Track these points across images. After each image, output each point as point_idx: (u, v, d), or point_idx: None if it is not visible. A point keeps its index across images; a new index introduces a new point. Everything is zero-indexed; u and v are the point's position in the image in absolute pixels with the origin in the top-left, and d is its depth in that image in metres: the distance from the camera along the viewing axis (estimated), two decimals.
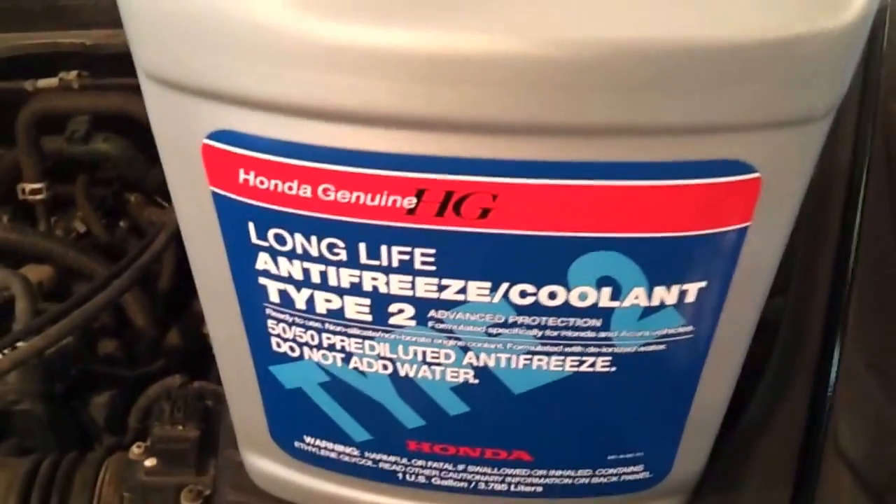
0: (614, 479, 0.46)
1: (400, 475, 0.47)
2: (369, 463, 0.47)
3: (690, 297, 0.38)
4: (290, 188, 0.35)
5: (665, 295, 0.38)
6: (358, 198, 0.35)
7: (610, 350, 0.40)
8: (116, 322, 0.89)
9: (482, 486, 0.47)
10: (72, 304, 0.70)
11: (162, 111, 0.37)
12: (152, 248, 0.73)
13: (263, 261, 0.39)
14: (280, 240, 0.37)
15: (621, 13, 0.30)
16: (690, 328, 0.40)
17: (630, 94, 0.32)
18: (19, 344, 0.68)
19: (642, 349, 0.40)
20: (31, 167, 0.92)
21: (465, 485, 0.47)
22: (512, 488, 0.47)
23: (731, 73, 0.31)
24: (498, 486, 0.47)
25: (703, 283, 0.38)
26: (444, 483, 0.47)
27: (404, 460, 0.46)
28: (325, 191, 0.35)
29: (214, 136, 0.35)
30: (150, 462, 0.62)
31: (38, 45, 0.93)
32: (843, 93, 0.34)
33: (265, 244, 0.38)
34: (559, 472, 0.46)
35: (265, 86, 0.32)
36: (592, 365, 0.41)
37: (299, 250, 0.37)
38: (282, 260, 0.38)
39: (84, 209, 0.98)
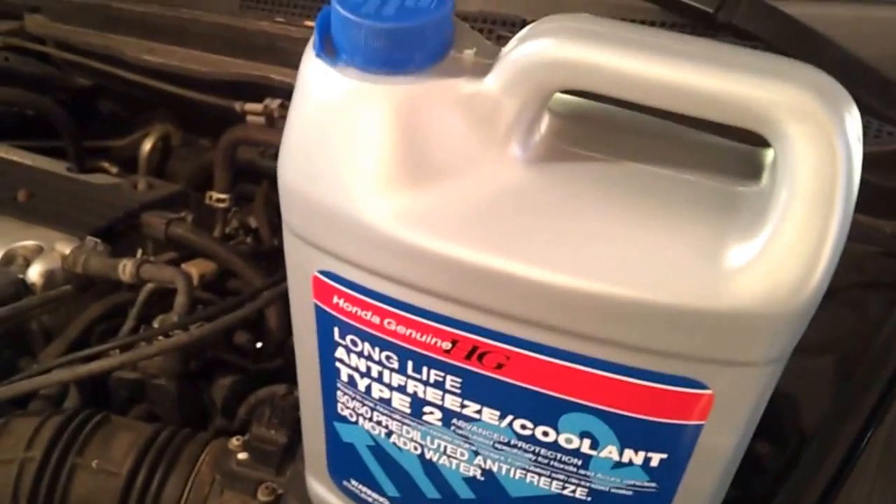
0: None
1: None
2: None
3: (654, 463, 0.51)
4: (365, 315, 0.50)
5: (633, 456, 0.50)
6: (410, 333, 0.50)
7: (587, 484, 0.53)
8: (255, 318, 1.08)
9: None
10: (224, 308, 0.89)
11: (294, 248, 0.53)
12: None
13: (340, 353, 0.54)
14: (353, 343, 0.53)
15: (621, 275, 0.44)
16: (654, 484, 0.52)
17: (616, 325, 0.45)
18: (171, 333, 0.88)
19: (614, 490, 0.53)
20: (221, 181, 1.14)
21: None
22: None
23: (684, 325, 0.43)
24: None
25: (664, 455, 0.50)
26: None
27: None
28: (388, 322, 0.50)
29: (322, 272, 0.51)
30: (242, 455, 0.79)
31: (254, 76, 1.14)
32: (793, 345, 0.46)
33: (343, 343, 0.53)
34: None
35: (361, 256, 0.48)
36: (573, 491, 0.54)
37: (365, 353, 0.53)
38: (352, 356, 0.54)
39: (259, 213, 1.19)
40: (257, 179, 1.24)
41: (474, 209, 0.46)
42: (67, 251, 1.03)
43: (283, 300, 1.06)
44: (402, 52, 0.45)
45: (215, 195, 1.19)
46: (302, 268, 0.53)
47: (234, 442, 0.80)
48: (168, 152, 1.47)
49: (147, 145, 1.46)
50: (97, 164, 1.42)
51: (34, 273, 1.01)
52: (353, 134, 0.47)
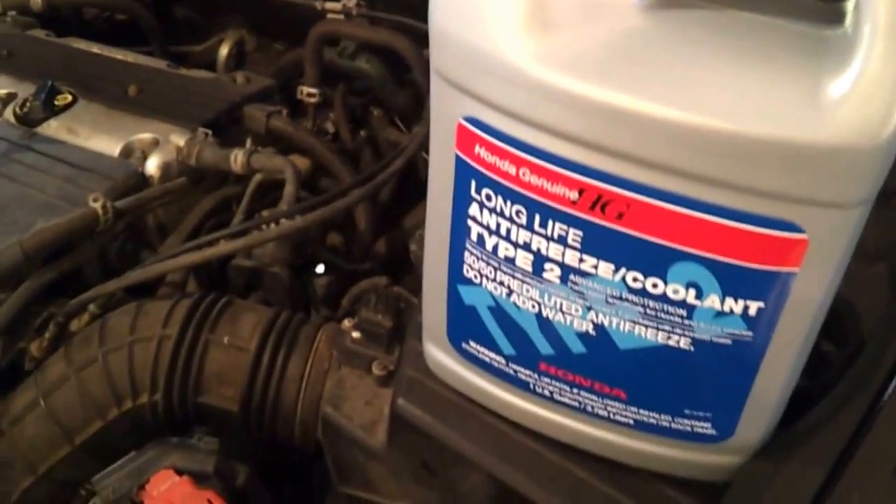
0: (687, 428, 0.67)
1: (531, 385, 0.70)
2: (511, 371, 0.70)
3: (752, 311, 0.58)
4: (503, 165, 0.59)
5: (733, 305, 0.58)
6: (542, 183, 0.58)
7: (691, 334, 0.61)
8: (344, 220, 1.18)
9: (589, 409, 0.69)
10: (326, 199, 0.98)
11: (440, 95, 0.62)
12: (391, 169, 0.99)
13: (474, 209, 0.63)
14: (488, 198, 0.61)
15: (733, 111, 0.51)
16: (750, 333, 0.59)
17: (728, 163, 0.52)
18: (282, 221, 0.98)
19: (714, 339, 0.60)
20: (312, 76, 1.22)
21: (577, 405, 0.69)
22: (611, 416, 0.69)
23: (787, 161, 0.51)
24: (600, 412, 0.69)
25: (761, 304, 0.57)
26: (562, 399, 0.69)
27: (535, 376, 0.69)
28: (523, 172, 0.58)
29: (467, 118, 0.60)
30: (355, 334, 0.89)
31: None
32: (878, 187, 0.52)
33: (478, 198, 0.62)
34: (646, 412, 0.67)
35: (504, 99, 0.56)
36: (677, 341, 0.61)
37: (498, 209, 0.61)
38: (485, 212, 0.62)
39: (338, 114, 1.28)
40: (332, 80, 1.32)
41: (602, 50, 0.54)
42: (181, 143, 1.13)
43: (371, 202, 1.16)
44: None
45: (306, 90, 1.28)
46: (447, 115, 0.61)
47: (347, 323, 0.90)
48: (243, 57, 1.57)
49: (223, 50, 1.56)
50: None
51: (152, 165, 1.12)
52: None
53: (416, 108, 1.24)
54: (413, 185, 1.11)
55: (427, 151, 1.07)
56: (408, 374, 0.81)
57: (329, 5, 1.22)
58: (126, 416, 0.93)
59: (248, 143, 1.15)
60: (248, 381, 0.90)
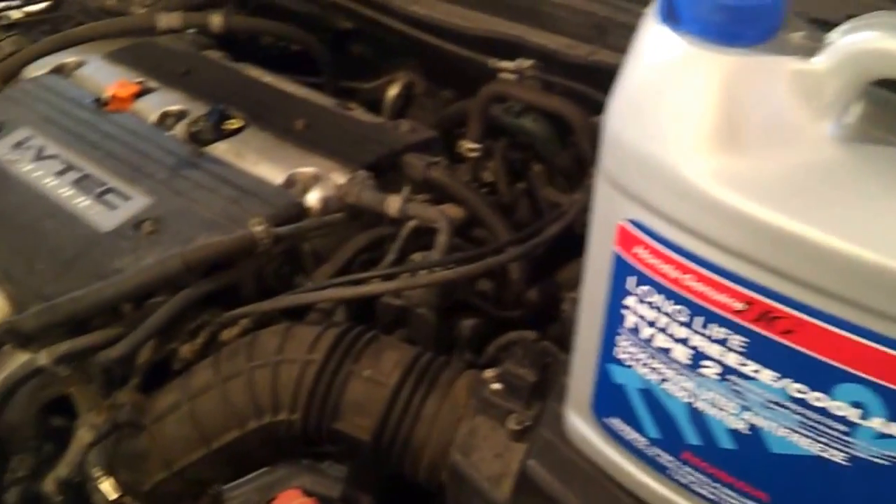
0: None
1: (670, 471, 0.69)
2: (651, 454, 0.69)
3: None
4: (664, 268, 0.58)
5: None
6: (706, 290, 0.57)
7: (849, 450, 0.59)
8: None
9: None
10: (480, 254, 1.00)
11: (605, 194, 0.62)
12: (549, 233, 1.00)
13: (630, 301, 0.63)
14: (646, 294, 0.61)
15: None
16: None
17: None
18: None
19: (873, 458, 0.58)
20: (475, 132, 1.25)
21: (714, 499, 0.68)
22: None
23: None
24: None
25: None
26: (700, 491, 0.68)
27: (677, 462, 0.68)
28: (686, 277, 0.58)
29: (631, 220, 0.59)
30: (496, 385, 0.89)
31: (510, 35, 1.24)
32: None
33: (635, 293, 0.62)
34: None
35: (673, 210, 0.56)
36: (833, 455, 0.60)
37: (656, 305, 0.61)
38: (642, 305, 0.62)
39: (498, 166, 1.29)
40: (494, 132, 1.34)
41: (787, 177, 0.53)
42: (342, 181, 1.16)
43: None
44: (740, 27, 0.54)
45: (467, 144, 1.30)
46: (609, 214, 0.61)
47: (489, 374, 0.91)
48: (410, 100, 1.60)
49: (392, 91, 1.59)
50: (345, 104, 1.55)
51: (312, 198, 1.16)
52: (682, 94, 0.55)
53: (577, 170, 1.24)
54: (570, 239, 1.11)
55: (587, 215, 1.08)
56: (543, 436, 0.81)
57: (502, 64, 1.24)
58: (263, 429, 0.96)
59: (406, 189, 1.18)
60: (383, 415, 0.92)
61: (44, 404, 1.15)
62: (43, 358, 1.01)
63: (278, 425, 0.96)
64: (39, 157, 1.26)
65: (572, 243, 1.13)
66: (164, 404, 1.00)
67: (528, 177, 1.30)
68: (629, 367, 0.67)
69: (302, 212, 1.14)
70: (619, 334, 0.66)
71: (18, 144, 1.29)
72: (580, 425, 0.76)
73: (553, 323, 1.10)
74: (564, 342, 0.93)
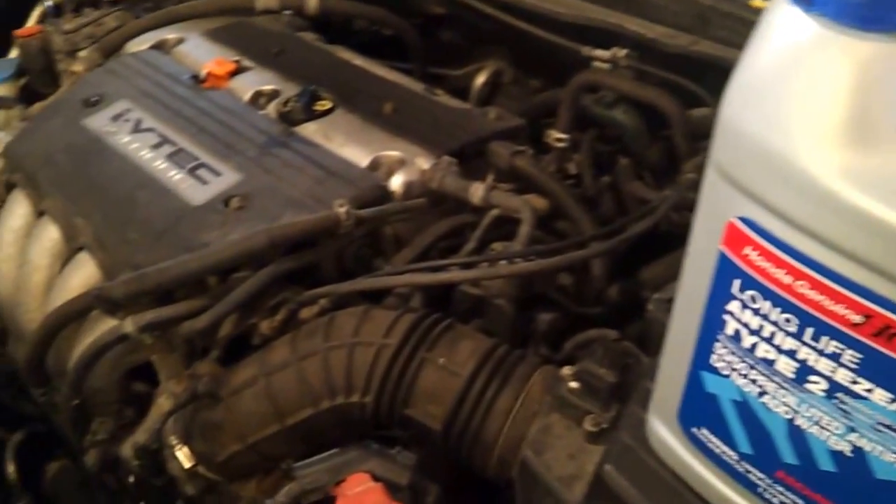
0: None
1: (760, 490, 0.61)
2: (741, 470, 0.62)
3: None
4: (776, 272, 0.51)
5: None
6: (821, 299, 0.49)
7: None
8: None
9: None
10: (563, 247, 0.93)
11: (715, 188, 0.54)
12: (635, 230, 0.92)
13: (733, 306, 0.55)
14: (752, 299, 0.53)
15: None
16: None
17: None
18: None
19: None
20: (564, 121, 1.17)
21: None
22: None
23: None
24: None
25: None
26: None
27: (769, 481, 0.60)
28: (799, 284, 0.50)
29: (742, 218, 0.52)
30: (573, 384, 0.82)
31: (608, 23, 1.16)
32: None
33: (740, 297, 0.54)
34: None
35: (792, 208, 0.48)
36: None
37: (763, 311, 0.53)
38: (746, 311, 0.54)
39: (584, 159, 1.21)
40: (583, 123, 1.26)
41: None
42: (426, 166, 1.11)
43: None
44: (882, 10, 0.45)
45: (555, 134, 1.23)
46: (717, 210, 0.54)
47: (566, 371, 0.84)
48: (497, 88, 1.53)
49: (480, 78, 1.53)
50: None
51: (396, 182, 1.10)
52: (812, 81, 0.47)
53: (667, 166, 1.16)
54: (654, 237, 1.03)
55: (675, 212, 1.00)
56: (622, 441, 0.74)
57: (597, 53, 1.16)
58: (335, 409, 0.91)
59: (490, 177, 1.11)
60: (455, 405, 0.86)
61: (127, 370, 1.12)
62: (129, 325, 0.98)
63: (351, 407, 0.91)
64: (137, 129, 1.24)
65: (658, 241, 1.06)
66: (242, 378, 0.96)
67: (614, 170, 1.22)
68: (725, 376, 0.59)
69: (385, 195, 1.09)
70: (716, 340, 0.58)
71: (117, 117, 1.27)
72: (664, 433, 0.69)
73: (633, 323, 1.02)
74: (645, 344, 0.86)
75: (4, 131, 1.38)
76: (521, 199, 1.03)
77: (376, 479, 0.81)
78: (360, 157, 1.14)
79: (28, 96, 1.59)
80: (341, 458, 0.84)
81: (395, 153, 1.14)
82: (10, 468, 1.43)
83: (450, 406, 0.86)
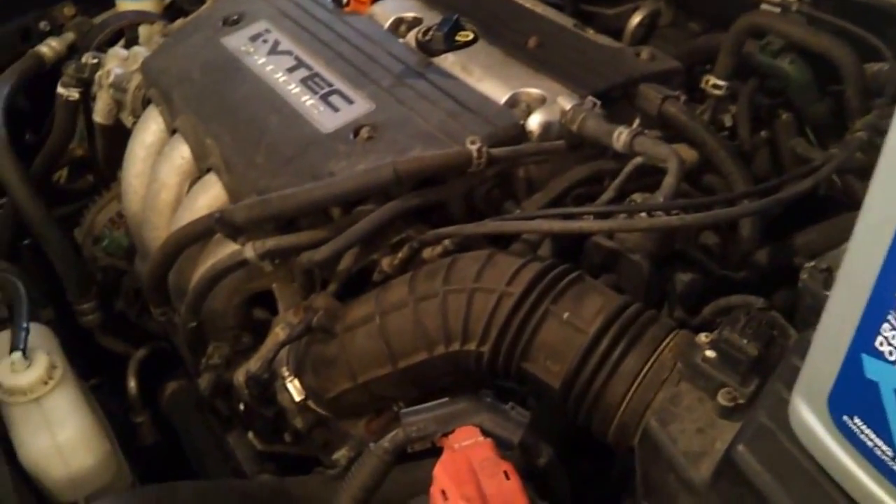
0: None
1: None
2: (895, 466, 0.56)
3: None
4: None
5: None
6: None
7: None
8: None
9: None
10: (710, 202, 0.86)
11: None
12: (796, 190, 0.85)
13: None
14: None
15: None
16: None
17: None
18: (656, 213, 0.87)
19: None
20: (725, 67, 1.09)
21: None
22: None
23: None
24: None
25: None
26: None
27: None
28: None
29: None
30: (710, 353, 0.76)
31: None
32: None
33: None
34: None
35: None
36: None
37: None
38: None
39: (742, 110, 1.13)
40: (743, 76, 1.17)
41: None
42: (568, 106, 1.05)
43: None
44: None
45: (714, 80, 1.15)
46: None
47: (703, 338, 0.78)
48: (653, 29, 1.44)
49: (635, 19, 1.44)
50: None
51: (534, 121, 1.06)
52: None
53: (833, 124, 1.07)
54: (813, 200, 0.95)
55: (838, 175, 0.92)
56: (759, 420, 0.68)
57: None
58: (450, 356, 0.89)
59: (636, 122, 1.05)
60: (577, 363, 0.82)
61: (247, 297, 1.14)
62: (249, 251, 0.99)
63: (466, 355, 0.89)
64: (273, 51, 1.24)
65: (816, 205, 0.98)
66: (357, 315, 0.95)
67: (773, 125, 1.13)
68: (890, 361, 0.53)
69: (522, 134, 1.04)
70: (885, 321, 0.52)
71: (255, 37, 1.27)
72: (809, 417, 0.63)
73: (781, 291, 0.95)
74: (794, 316, 0.79)
75: (146, 47, 1.41)
76: (668, 148, 0.96)
77: (486, 433, 0.79)
78: (498, 92, 1.09)
79: (173, 14, 1.62)
80: (451, 409, 0.82)
81: (535, 90, 1.09)
82: (132, 384, 1.49)
83: (571, 364, 0.82)
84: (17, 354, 1.01)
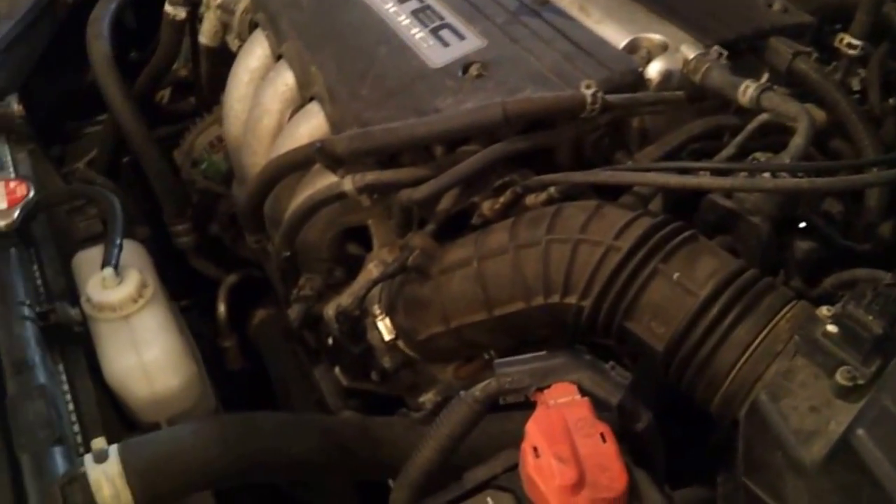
0: None
1: None
2: None
3: None
4: None
5: None
6: None
7: None
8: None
9: None
10: (838, 167, 0.81)
11: None
12: None
13: None
14: None
15: None
16: None
17: None
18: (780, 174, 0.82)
19: None
20: (862, 25, 1.04)
21: None
22: None
23: None
24: None
25: None
26: None
27: None
28: None
29: None
30: (831, 327, 0.71)
31: None
32: None
33: None
34: None
35: None
36: None
37: None
38: None
39: (873, 74, 1.07)
40: (876, 38, 1.09)
41: None
42: (691, 55, 1.00)
43: None
44: None
45: (849, 39, 1.07)
46: None
47: (825, 311, 0.73)
48: None
49: None
50: None
51: (654, 69, 1.01)
52: None
53: None
54: None
55: None
56: (881, 404, 0.64)
57: None
58: (548, 308, 0.86)
59: (765, 77, 0.99)
60: (684, 327, 0.78)
61: (342, 231, 1.13)
62: (348, 183, 0.97)
63: (565, 308, 0.85)
64: None
65: None
66: (455, 258, 0.93)
67: None
68: None
69: (639, 82, 1.00)
70: None
71: None
72: None
73: None
74: None
75: None
76: (799, 106, 0.90)
77: (583, 392, 0.76)
78: (617, 36, 1.05)
79: None
80: (549, 363, 0.79)
81: (657, 36, 1.04)
82: (221, 308, 1.51)
83: (679, 326, 0.78)
84: (109, 270, 1.01)
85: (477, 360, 1.04)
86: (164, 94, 1.64)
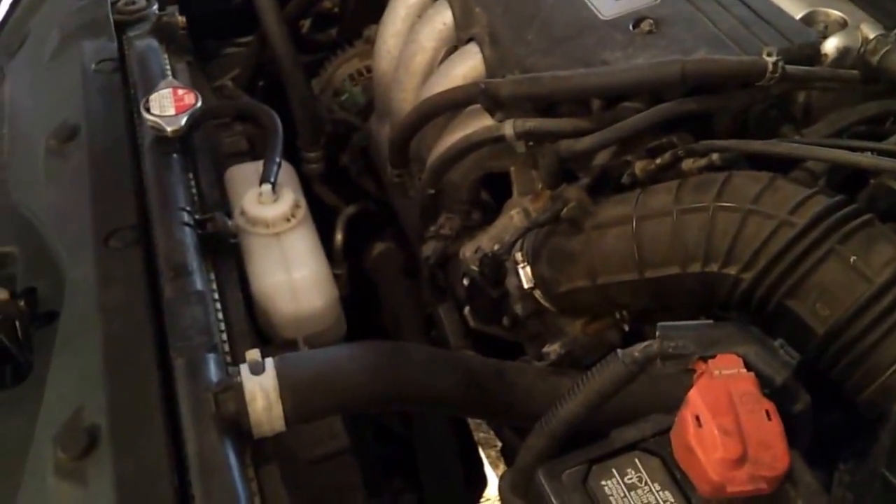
0: None
1: None
2: None
3: None
4: None
5: None
6: None
7: None
8: None
9: None
10: None
11: None
12: None
13: None
14: None
15: None
16: None
17: None
18: None
19: None
20: None
21: None
22: None
23: None
24: None
25: None
26: None
27: None
28: None
29: None
30: None
31: None
32: None
33: None
34: None
35: None
36: None
37: None
38: None
39: None
40: None
41: None
42: (871, 35, 0.93)
43: None
44: None
45: None
46: None
47: None
48: None
49: None
50: None
51: (831, 45, 0.94)
52: None
53: None
54: None
55: None
56: None
57: None
58: (704, 276, 0.82)
59: None
60: (853, 312, 0.73)
61: (483, 175, 1.08)
62: (508, 128, 0.93)
63: (722, 279, 0.80)
64: None
65: None
66: (612, 214, 0.88)
67: None
68: None
69: (816, 56, 0.93)
70: None
71: None
72: None
73: None
74: None
75: None
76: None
77: (748, 367, 0.71)
78: (794, 7, 0.98)
79: None
80: (716, 333, 0.74)
81: (836, 12, 0.97)
82: (338, 236, 1.48)
83: (847, 311, 0.73)
84: (267, 187, 0.98)
85: (607, 318, 0.99)
86: (305, 24, 1.60)
